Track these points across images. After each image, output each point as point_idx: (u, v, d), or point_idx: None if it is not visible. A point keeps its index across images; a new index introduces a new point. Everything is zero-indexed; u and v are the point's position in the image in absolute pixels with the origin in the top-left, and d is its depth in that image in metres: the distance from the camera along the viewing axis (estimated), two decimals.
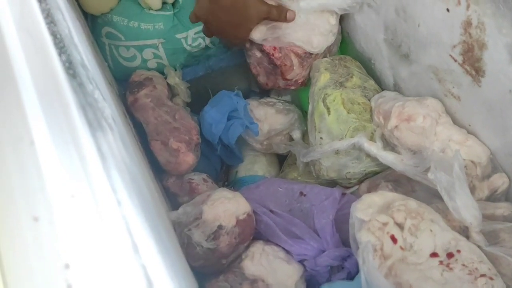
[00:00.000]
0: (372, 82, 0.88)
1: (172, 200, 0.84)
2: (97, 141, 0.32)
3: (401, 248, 0.58)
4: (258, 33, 0.88)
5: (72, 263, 0.26)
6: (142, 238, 0.31)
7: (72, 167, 0.29)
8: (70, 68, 0.38)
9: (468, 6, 0.63)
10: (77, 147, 0.30)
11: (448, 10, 0.66)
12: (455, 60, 0.69)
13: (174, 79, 0.96)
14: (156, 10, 0.93)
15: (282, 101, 1.00)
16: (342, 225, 0.69)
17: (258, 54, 0.94)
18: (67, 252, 0.26)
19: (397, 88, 0.88)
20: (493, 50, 0.62)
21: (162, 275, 0.31)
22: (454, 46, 0.68)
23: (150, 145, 0.82)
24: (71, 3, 0.77)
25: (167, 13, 0.93)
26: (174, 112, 0.86)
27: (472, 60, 0.66)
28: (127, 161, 0.45)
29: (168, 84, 0.95)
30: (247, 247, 0.70)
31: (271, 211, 0.74)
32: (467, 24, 0.64)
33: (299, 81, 0.94)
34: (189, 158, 0.82)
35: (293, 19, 0.86)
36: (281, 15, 0.85)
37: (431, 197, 0.71)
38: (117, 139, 0.46)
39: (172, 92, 0.96)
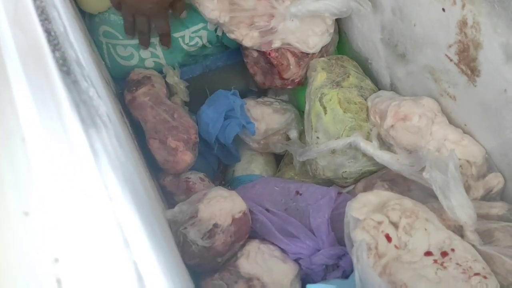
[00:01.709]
0: (368, 81, 0.89)
1: (168, 198, 0.84)
2: (89, 138, 0.32)
3: (396, 246, 0.58)
4: (250, 40, 0.89)
5: (61, 258, 0.26)
6: (134, 234, 0.31)
7: (64, 163, 0.29)
8: (64, 65, 0.38)
9: (463, 6, 0.63)
10: (69, 143, 0.30)
11: (443, 9, 0.67)
12: (451, 60, 0.69)
13: (173, 78, 0.96)
14: None
15: (279, 101, 1.00)
16: (337, 224, 0.69)
17: (255, 53, 0.94)
18: (56, 246, 0.26)
19: (393, 88, 0.88)
20: (488, 50, 0.62)
21: (154, 271, 0.31)
22: (450, 46, 0.68)
23: (148, 144, 0.82)
24: (68, 1, 0.78)
25: None
26: (173, 111, 0.86)
27: (467, 59, 0.66)
28: (121, 159, 0.45)
29: (166, 83, 0.95)
30: (243, 245, 0.70)
31: (267, 210, 0.74)
32: (463, 23, 0.64)
33: (296, 81, 0.94)
34: (187, 157, 0.82)
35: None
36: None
37: (427, 196, 0.72)
38: (112, 136, 0.46)
39: (170, 91, 0.96)
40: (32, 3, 0.39)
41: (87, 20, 0.96)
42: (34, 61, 0.35)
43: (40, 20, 0.38)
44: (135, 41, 0.94)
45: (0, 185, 0.28)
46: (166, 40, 0.93)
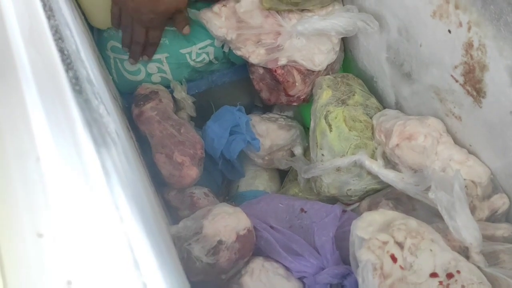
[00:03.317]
0: (374, 100, 0.89)
1: (173, 213, 0.84)
2: (101, 157, 0.33)
3: (401, 267, 0.58)
4: (256, 57, 0.90)
5: (74, 280, 0.26)
6: (143, 254, 0.31)
7: (77, 184, 0.30)
8: (77, 84, 0.39)
9: (469, 28, 0.63)
10: (82, 163, 0.31)
11: (449, 31, 0.67)
12: (457, 81, 0.70)
13: (181, 93, 0.96)
14: None
15: (284, 117, 1.01)
16: (342, 242, 0.69)
17: (260, 70, 0.95)
18: (69, 268, 0.26)
19: (399, 107, 0.88)
20: (494, 72, 0.62)
21: None
22: (456, 67, 0.69)
23: (154, 158, 0.82)
24: (78, 17, 0.79)
25: (172, 28, 0.94)
26: (180, 126, 0.86)
27: (473, 81, 0.66)
28: (129, 176, 0.45)
29: (173, 98, 0.96)
30: (247, 263, 0.70)
31: (271, 227, 0.74)
32: (469, 45, 0.65)
33: (301, 98, 0.95)
34: (192, 172, 0.82)
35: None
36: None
37: (432, 216, 0.71)
38: (120, 153, 0.46)
39: (176, 106, 0.97)
40: (46, 23, 0.40)
41: (95, 35, 0.97)
42: (48, 81, 0.35)
43: (54, 40, 0.39)
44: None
45: (14, 206, 0.28)
46: (151, 51, 0.93)
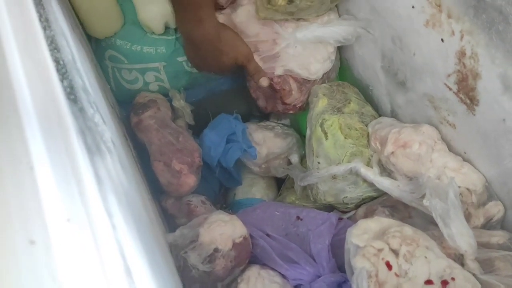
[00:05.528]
0: (369, 108, 0.90)
1: (170, 221, 0.84)
2: (94, 166, 0.33)
3: (396, 274, 0.58)
4: None
5: (65, 287, 0.26)
6: (136, 262, 0.32)
7: (69, 192, 0.30)
8: (71, 93, 0.39)
9: (462, 37, 0.64)
10: (75, 171, 0.31)
11: (442, 40, 0.68)
12: (450, 89, 0.70)
13: (180, 101, 0.97)
14: (158, 35, 0.95)
15: (281, 125, 1.01)
16: (338, 250, 0.69)
17: None
18: (62, 275, 0.26)
19: (394, 115, 0.89)
20: (486, 80, 0.63)
21: None
22: (449, 75, 0.69)
23: (152, 166, 0.82)
24: (76, 27, 0.79)
25: (169, 37, 0.95)
26: (178, 134, 0.87)
27: (466, 89, 0.67)
28: (124, 184, 0.45)
29: (171, 106, 0.96)
30: (243, 270, 0.70)
31: (267, 234, 0.74)
32: (461, 54, 0.65)
33: (297, 106, 0.96)
34: (190, 180, 0.82)
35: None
36: (254, 76, 0.89)
37: (428, 223, 0.72)
38: (116, 162, 0.47)
39: (174, 115, 0.97)
40: (42, 33, 0.41)
41: (93, 44, 0.98)
42: (43, 90, 0.36)
43: (50, 50, 0.39)
44: (140, 65, 0.96)
45: (7, 213, 0.28)
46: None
